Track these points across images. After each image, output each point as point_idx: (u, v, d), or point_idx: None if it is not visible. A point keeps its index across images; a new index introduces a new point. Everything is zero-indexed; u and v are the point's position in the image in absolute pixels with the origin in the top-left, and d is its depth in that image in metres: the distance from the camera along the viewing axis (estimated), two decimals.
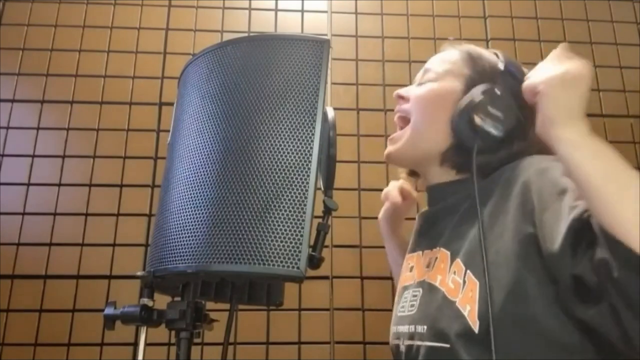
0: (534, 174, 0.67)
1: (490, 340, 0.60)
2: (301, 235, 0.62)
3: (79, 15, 1.76)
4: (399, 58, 1.79)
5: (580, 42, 1.86)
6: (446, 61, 0.83)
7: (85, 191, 1.59)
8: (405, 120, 0.83)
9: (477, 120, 0.70)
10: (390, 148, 0.84)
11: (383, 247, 1.63)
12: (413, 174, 0.92)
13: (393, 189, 1.04)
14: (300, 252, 0.62)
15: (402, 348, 0.75)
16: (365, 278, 1.58)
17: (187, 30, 1.77)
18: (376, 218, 1.65)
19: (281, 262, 0.61)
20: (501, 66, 0.76)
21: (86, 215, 1.58)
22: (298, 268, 0.61)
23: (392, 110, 1.71)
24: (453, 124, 0.74)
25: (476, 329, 0.63)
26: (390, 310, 1.58)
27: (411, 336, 0.73)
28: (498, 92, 0.71)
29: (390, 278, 1.57)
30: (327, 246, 1.58)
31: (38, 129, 1.65)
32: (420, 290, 0.76)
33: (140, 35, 1.75)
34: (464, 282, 0.67)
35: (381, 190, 1.71)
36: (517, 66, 0.77)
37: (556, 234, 0.58)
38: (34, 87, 1.68)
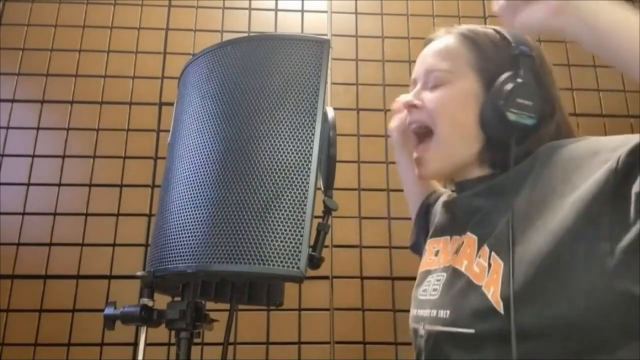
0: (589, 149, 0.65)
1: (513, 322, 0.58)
2: (301, 235, 0.62)
3: (79, 15, 1.76)
4: (399, 58, 1.79)
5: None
6: (449, 54, 0.75)
7: (85, 191, 1.59)
8: (424, 134, 0.77)
9: (511, 116, 0.67)
10: (421, 170, 0.77)
11: (383, 247, 1.64)
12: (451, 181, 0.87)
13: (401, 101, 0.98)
14: (300, 252, 0.62)
15: (422, 332, 0.73)
16: (365, 278, 1.58)
17: (187, 30, 1.77)
18: (376, 218, 1.66)
19: (281, 262, 0.61)
20: (514, 50, 0.71)
21: (86, 215, 1.58)
22: (298, 268, 0.61)
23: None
24: (485, 125, 0.70)
25: (501, 310, 0.60)
26: (391, 310, 1.57)
27: (432, 321, 0.71)
28: (520, 80, 0.68)
29: (390, 278, 1.57)
30: (327, 246, 1.58)
31: (38, 129, 1.65)
32: (444, 275, 0.73)
33: (140, 35, 1.75)
34: (489, 265, 0.64)
35: (381, 190, 1.70)
36: (525, 41, 0.73)
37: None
38: (34, 87, 1.68)
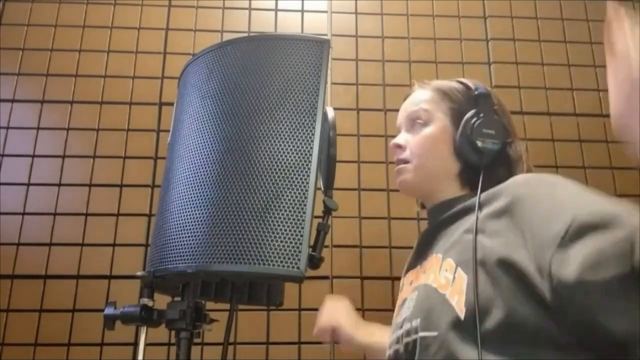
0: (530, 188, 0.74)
1: (475, 327, 0.66)
2: (301, 235, 0.62)
3: (79, 15, 1.76)
4: (399, 58, 1.79)
5: (580, 42, 1.86)
6: (426, 102, 0.90)
7: (85, 191, 1.59)
8: (406, 162, 0.91)
9: (479, 143, 0.83)
10: (400, 177, 0.90)
11: (383, 247, 1.64)
12: (423, 207, 0.98)
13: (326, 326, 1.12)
14: (300, 252, 0.62)
15: (401, 348, 0.78)
16: (365, 278, 1.58)
17: (187, 30, 1.77)
18: (376, 218, 1.66)
19: (281, 262, 0.61)
20: (474, 92, 0.88)
21: (86, 215, 1.58)
22: (298, 268, 0.61)
23: (392, 110, 1.73)
24: (458, 153, 0.85)
25: (462, 316, 0.68)
26: (390, 310, 1.58)
27: (407, 333, 0.77)
28: (482, 115, 0.84)
29: (390, 278, 1.57)
30: (327, 246, 1.58)
31: (38, 129, 1.65)
32: (416, 292, 0.81)
33: (140, 35, 1.75)
34: (454, 277, 0.73)
35: (381, 190, 1.71)
36: (483, 86, 0.89)
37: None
38: (34, 87, 1.68)
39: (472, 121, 0.84)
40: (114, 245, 1.55)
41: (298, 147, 0.66)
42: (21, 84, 1.68)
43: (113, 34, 1.75)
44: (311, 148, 0.66)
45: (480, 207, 0.77)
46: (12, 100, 1.67)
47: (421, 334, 0.73)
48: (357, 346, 1.12)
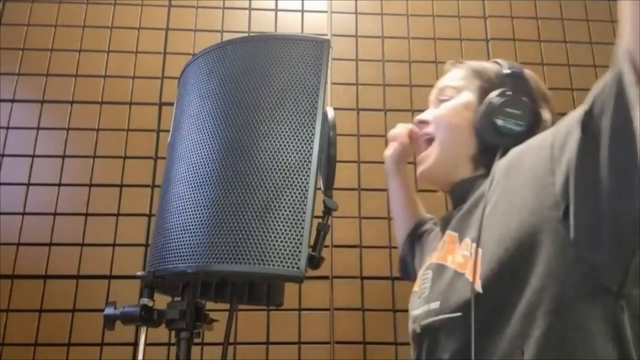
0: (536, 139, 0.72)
1: (491, 299, 0.64)
2: (301, 235, 0.62)
3: (79, 15, 1.76)
4: (399, 58, 1.79)
5: (580, 42, 1.86)
6: (455, 79, 0.88)
7: (85, 191, 1.59)
8: (430, 142, 0.88)
9: (499, 122, 0.78)
10: (421, 168, 0.88)
11: (383, 247, 1.64)
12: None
13: (403, 131, 1.08)
14: (300, 252, 0.62)
15: (418, 329, 0.77)
16: (365, 278, 1.58)
17: (187, 30, 1.77)
18: (376, 218, 1.65)
19: (281, 262, 0.61)
20: (506, 70, 0.84)
21: (86, 215, 1.58)
22: (298, 268, 0.61)
23: (392, 110, 1.73)
24: (477, 131, 0.81)
25: (481, 290, 0.66)
26: (391, 310, 1.58)
27: (425, 315, 0.75)
28: (510, 93, 0.79)
29: (390, 278, 1.57)
30: (327, 246, 1.58)
31: (38, 129, 1.65)
32: (430, 272, 0.79)
33: (140, 35, 1.75)
34: (470, 254, 0.70)
35: (381, 190, 1.71)
36: (519, 67, 0.85)
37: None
38: (34, 87, 1.68)
39: (496, 99, 0.79)
40: (114, 245, 1.55)
41: (298, 147, 0.66)
42: (21, 84, 1.68)
43: (113, 34, 1.75)
44: (311, 148, 0.66)
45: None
46: (12, 100, 1.67)
47: (443, 316, 0.71)
48: (398, 174, 1.14)
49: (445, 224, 0.85)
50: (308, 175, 0.65)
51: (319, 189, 0.69)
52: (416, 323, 0.78)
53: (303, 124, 0.68)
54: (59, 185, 1.60)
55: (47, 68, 1.70)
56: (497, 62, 0.87)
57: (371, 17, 1.83)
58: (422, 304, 0.78)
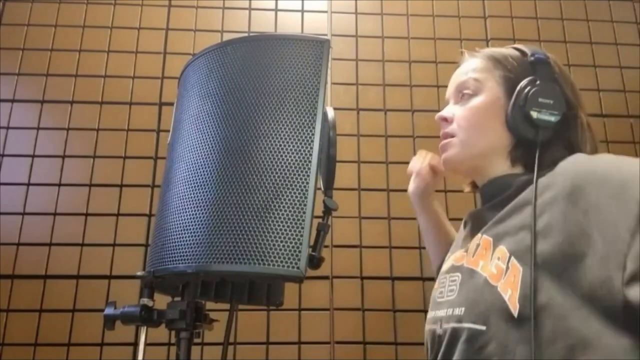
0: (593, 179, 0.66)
1: (528, 326, 0.61)
2: (301, 235, 0.62)
3: (79, 15, 1.76)
4: (399, 58, 1.79)
5: (580, 42, 1.86)
6: (476, 70, 0.82)
7: (85, 191, 1.59)
8: (451, 136, 0.84)
9: (534, 114, 0.73)
10: (445, 154, 0.83)
11: (383, 247, 1.64)
12: (475, 186, 0.90)
13: (423, 165, 1.04)
14: (300, 252, 0.62)
15: (439, 331, 0.75)
16: (365, 278, 1.58)
17: (187, 30, 1.77)
18: (376, 218, 1.65)
19: (281, 262, 0.61)
20: (530, 57, 0.79)
21: (86, 215, 1.58)
22: (298, 268, 0.61)
23: (392, 110, 1.73)
24: (511, 126, 0.76)
25: (515, 313, 0.63)
26: (391, 310, 1.58)
27: (448, 319, 0.73)
28: (538, 82, 0.75)
29: (390, 278, 1.57)
30: (327, 246, 1.58)
31: (38, 129, 1.65)
32: (459, 275, 0.76)
33: (140, 35, 1.75)
34: (507, 267, 0.67)
35: (381, 190, 1.71)
36: (542, 52, 0.80)
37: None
38: (34, 87, 1.68)
39: (527, 90, 0.74)
40: (114, 245, 1.55)
41: (298, 147, 0.66)
42: (21, 84, 1.68)
43: (113, 34, 1.75)
44: (311, 148, 0.66)
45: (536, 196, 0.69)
46: (12, 100, 1.67)
47: (466, 324, 0.68)
48: (425, 209, 1.07)
49: (476, 223, 0.81)
50: (308, 175, 0.65)
51: (319, 189, 0.69)
52: (437, 324, 0.76)
53: (303, 124, 0.68)
54: (59, 185, 1.60)
55: (47, 68, 1.70)
56: (516, 49, 0.83)
57: (371, 17, 1.83)
58: (446, 307, 0.75)
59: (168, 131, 0.84)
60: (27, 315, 1.48)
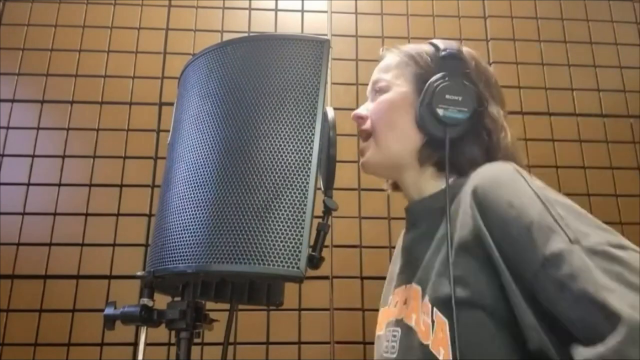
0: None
1: None
2: (301, 235, 0.62)
3: (79, 15, 1.76)
4: None
5: (580, 42, 1.86)
6: (389, 68, 0.81)
7: (85, 191, 1.59)
8: (370, 136, 0.82)
9: (440, 111, 0.71)
10: (363, 159, 0.82)
11: (383, 247, 1.64)
12: (396, 187, 0.89)
13: None
14: (300, 252, 0.62)
15: None
16: (365, 278, 1.58)
17: (187, 30, 1.77)
18: (376, 218, 1.65)
19: (281, 262, 0.61)
20: (441, 52, 0.76)
21: (86, 215, 1.58)
22: (298, 268, 0.61)
23: None
24: (419, 124, 0.74)
25: None
26: None
27: None
28: (447, 79, 0.73)
29: None
30: (327, 246, 1.58)
31: (38, 129, 1.65)
32: (399, 330, 0.74)
33: (140, 35, 1.75)
34: (433, 322, 0.65)
35: (381, 190, 1.71)
36: (455, 47, 0.77)
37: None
38: (34, 87, 1.68)
39: (434, 86, 0.72)
40: (114, 245, 1.55)
41: (298, 147, 0.66)
42: (21, 84, 1.68)
43: (113, 34, 1.75)
44: (311, 148, 0.66)
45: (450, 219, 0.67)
46: (12, 100, 1.67)
47: None
48: None
49: (410, 257, 0.79)
50: (308, 175, 0.65)
51: (319, 189, 0.69)
52: None
53: (303, 124, 0.67)
54: (59, 185, 1.60)
55: (47, 68, 1.70)
56: (432, 44, 0.80)
57: (371, 17, 1.83)
58: None
59: (168, 131, 0.84)
60: (27, 315, 1.48)
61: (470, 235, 0.63)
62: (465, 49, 0.79)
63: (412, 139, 0.76)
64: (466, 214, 0.65)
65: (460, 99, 0.71)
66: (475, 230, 0.62)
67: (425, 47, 0.80)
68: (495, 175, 0.65)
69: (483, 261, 0.61)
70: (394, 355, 0.73)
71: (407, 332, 0.71)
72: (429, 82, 0.74)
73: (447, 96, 0.71)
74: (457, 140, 0.72)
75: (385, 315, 0.83)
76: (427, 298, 0.67)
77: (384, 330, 0.81)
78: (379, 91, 0.81)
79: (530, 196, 0.60)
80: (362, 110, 0.83)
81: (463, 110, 0.71)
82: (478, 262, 0.62)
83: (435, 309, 0.65)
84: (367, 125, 0.81)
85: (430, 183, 0.78)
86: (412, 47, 0.81)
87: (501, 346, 0.60)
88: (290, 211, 0.63)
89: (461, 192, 0.69)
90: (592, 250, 0.53)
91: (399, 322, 0.75)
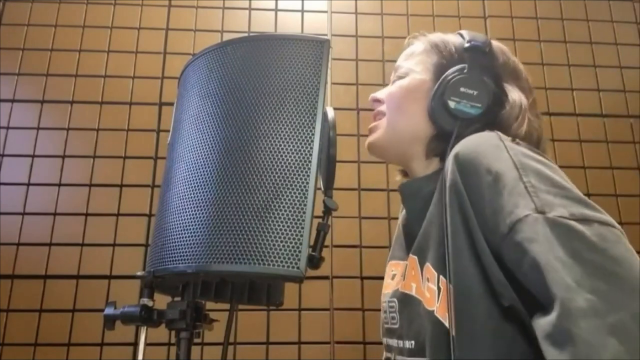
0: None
1: (470, 344, 0.59)
2: (301, 235, 0.62)
3: (79, 15, 1.76)
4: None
5: (580, 42, 1.86)
6: (413, 55, 0.80)
7: (85, 191, 1.59)
8: (381, 118, 0.82)
9: (451, 103, 0.70)
10: (370, 138, 0.81)
11: (383, 247, 1.64)
12: (405, 174, 0.88)
13: None
14: (300, 252, 0.62)
15: None
16: (365, 278, 1.58)
17: (187, 30, 1.77)
18: (376, 218, 1.65)
19: (281, 262, 0.61)
20: (466, 44, 0.74)
21: (86, 215, 1.58)
22: (298, 268, 0.61)
23: None
24: (430, 115, 0.73)
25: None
26: None
27: (400, 352, 0.72)
28: (466, 71, 0.71)
29: None
30: (327, 246, 1.58)
31: (38, 129, 1.65)
32: (395, 300, 0.74)
33: (140, 35, 1.75)
34: (439, 288, 0.64)
35: (381, 190, 1.71)
36: (482, 40, 0.75)
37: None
38: (34, 87, 1.68)
39: (450, 77, 0.71)
40: (114, 245, 1.55)
41: (298, 147, 0.66)
42: (21, 84, 1.68)
43: (113, 34, 1.75)
44: (311, 148, 0.66)
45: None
46: (12, 100, 1.67)
47: (417, 359, 0.66)
48: None
49: (408, 233, 0.78)
50: (308, 175, 0.65)
51: (319, 189, 0.69)
52: (391, 354, 0.75)
53: (303, 124, 0.67)
54: (59, 185, 1.60)
55: (47, 68, 1.70)
56: (460, 34, 0.78)
57: (371, 17, 1.83)
58: (395, 337, 0.74)
59: (168, 131, 0.84)
60: (27, 315, 1.48)
61: (450, 188, 0.64)
62: (495, 43, 0.76)
63: (421, 127, 0.75)
64: (448, 176, 0.65)
65: (475, 93, 0.69)
66: (455, 186, 0.63)
67: (452, 37, 0.78)
68: (477, 143, 0.64)
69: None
70: (396, 325, 0.73)
71: (406, 300, 0.71)
72: (447, 73, 0.72)
73: (462, 89, 0.69)
74: (466, 135, 0.68)
75: (384, 288, 0.84)
76: (429, 265, 0.67)
77: (385, 302, 0.81)
78: (398, 77, 0.80)
79: (507, 163, 0.60)
80: (380, 93, 0.82)
81: (476, 106, 0.69)
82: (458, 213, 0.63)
83: (441, 276, 0.64)
84: (382, 107, 0.80)
85: (428, 167, 0.78)
86: (438, 36, 0.80)
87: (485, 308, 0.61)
88: (290, 211, 0.63)
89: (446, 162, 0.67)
90: (555, 222, 0.53)
91: (396, 293, 0.75)
